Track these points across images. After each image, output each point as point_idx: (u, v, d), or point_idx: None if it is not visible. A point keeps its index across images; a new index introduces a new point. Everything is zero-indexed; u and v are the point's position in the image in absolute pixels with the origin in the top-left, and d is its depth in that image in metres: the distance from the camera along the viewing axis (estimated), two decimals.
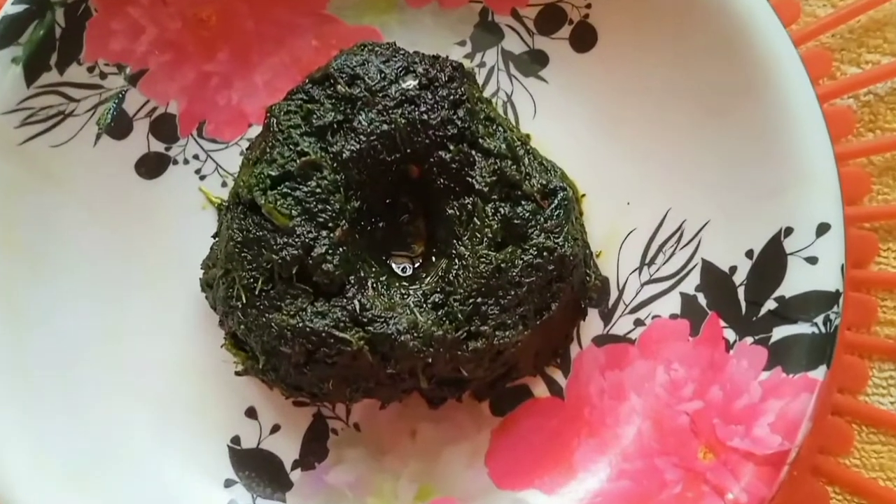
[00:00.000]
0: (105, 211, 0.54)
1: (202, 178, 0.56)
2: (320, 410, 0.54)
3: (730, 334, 0.51)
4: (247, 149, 0.53)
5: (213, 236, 0.54)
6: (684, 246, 0.54)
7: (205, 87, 0.56)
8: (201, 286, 0.53)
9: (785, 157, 0.50)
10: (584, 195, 0.55)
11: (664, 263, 0.54)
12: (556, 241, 0.49)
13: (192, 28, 0.55)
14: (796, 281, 0.49)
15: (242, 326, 0.49)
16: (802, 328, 0.49)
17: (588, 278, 0.53)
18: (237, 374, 0.52)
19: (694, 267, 0.53)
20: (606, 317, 0.55)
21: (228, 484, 0.53)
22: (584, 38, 0.56)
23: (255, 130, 0.56)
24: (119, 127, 0.55)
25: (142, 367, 0.54)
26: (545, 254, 0.49)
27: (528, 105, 0.57)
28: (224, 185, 0.56)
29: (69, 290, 0.53)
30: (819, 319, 0.48)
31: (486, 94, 0.57)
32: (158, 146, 0.55)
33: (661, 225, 0.54)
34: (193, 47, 0.55)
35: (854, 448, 0.56)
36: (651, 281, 0.54)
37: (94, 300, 0.54)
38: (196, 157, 0.56)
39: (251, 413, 0.54)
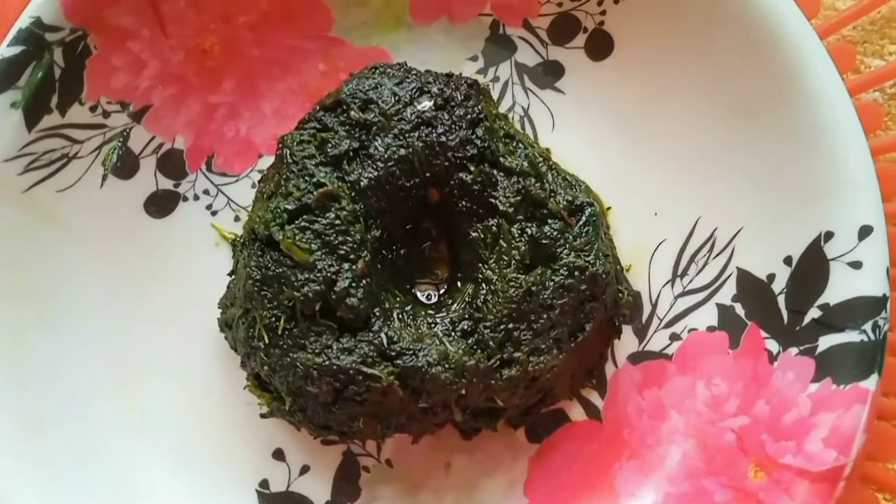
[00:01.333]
0: (115, 253, 0.53)
1: (214, 213, 0.54)
2: (350, 448, 0.52)
3: (772, 345, 0.49)
4: (259, 181, 0.52)
5: (230, 274, 0.52)
6: (717, 255, 0.52)
7: (211, 120, 0.54)
8: (219, 326, 0.51)
9: (821, 159, 0.48)
10: (609, 208, 0.54)
11: (697, 274, 0.52)
12: (586, 259, 0.48)
13: (195, 59, 0.54)
14: (840, 287, 0.47)
15: (266, 367, 0.47)
16: (850, 336, 0.47)
17: (620, 295, 0.51)
18: (262, 416, 0.50)
19: (729, 276, 0.52)
20: (641, 333, 0.53)
21: None
22: (599, 46, 0.54)
23: (266, 161, 0.54)
24: (125, 166, 0.53)
25: (160, 414, 0.52)
26: (576, 273, 0.47)
27: (546, 118, 0.55)
28: (237, 219, 0.54)
29: (80, 336, 0.51)
30: (867, 326, 0.46)
31: (502, 109, 0.55)
32: (167, 183, 0.54)
33: (691, 234, 0.53)
34: (197, 79, 0.54)
35: None
36: (685, 293, 0.53)
37: (106, 346, 0.52)
38: (206, 192, 0.54)
39: (279, 455, 0.52)
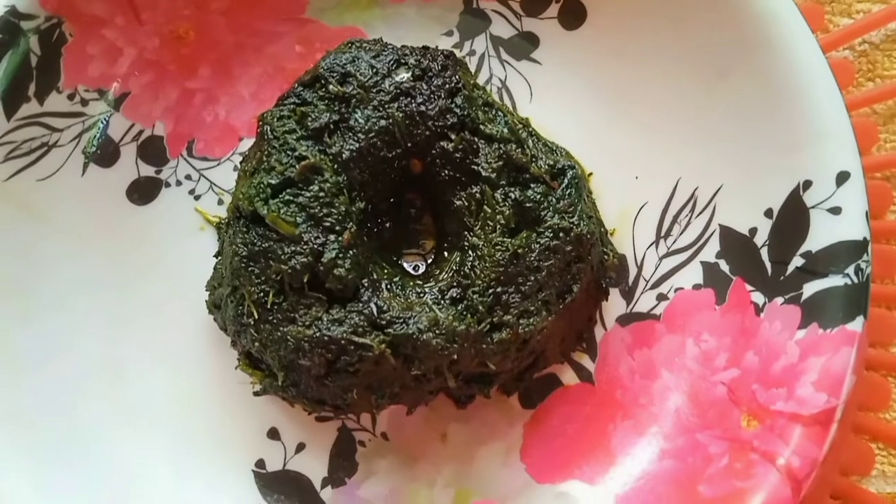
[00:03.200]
0: (98, 242, 0.52)
1: (197, 198, 0.54)
2: (345, 424, 0.52)
3: (758, 297, 0.50)
4: (241, 161, 0.52)
5: (216, 256, 0.52)
6: (699, 213, 0.53)
7: (190, 105, 0.54)
8: (208, 308, 0.51)
9: (796, 110, 0.49)
10: (591, 174, 0.54)
11: (681, 234, 0.53)
12: (570, 220, 0.48)
13: (171, 45, 0.54)
14: (821, 234, 0.48)
15: (257, 344, 0.47)
16: (834, 281, 0.47)
17: (606, 257, 0.51)
18: (256, 394, 0.50)
19: (712, 234, 0.52)
20: (628, 295, 0.53)
21: None
22: (573, 15, 0.55)
23: (247, 144, 0.54)
24: (106, 154, 0.53)
25: (152, 401, 0.51)
26: (561, 235, 0.48)
27: (524, 89, 0.55)
28: (220, 202, 0.54)
29: (66, 328, 0.51)
30: (850, 270, 0.47)
31: (480, 81, 0.55)
32: (148, 170, 0.54)
33: (672, 195, 0.53)
34: (174, 65, 0.54)
35: (893, 402, 0.54)
36: (669, 253, 0.53)
37: (93, 336, 0.52)
38: (188, 177, 0.54)
39: (273, 434, 0.51)
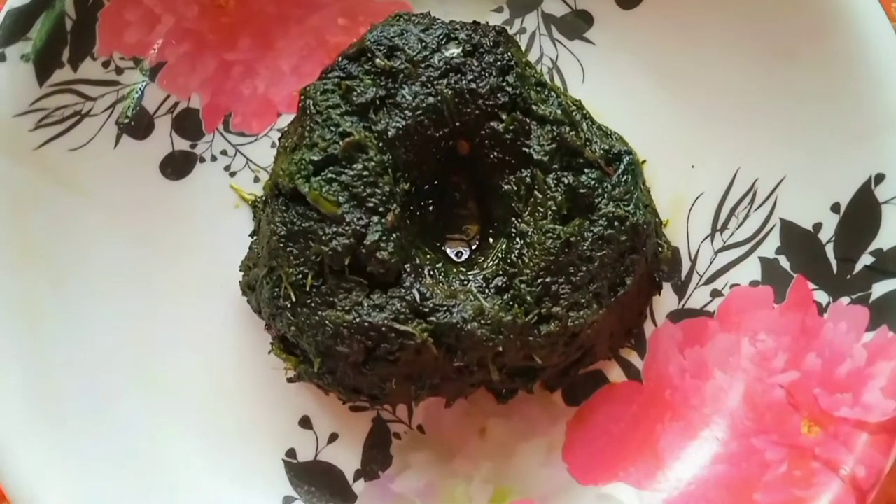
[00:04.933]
0: (131, 217, 0.50)
1: (232, 174, 0.52)
2: (380, 414, 0.49)
3: (821, 297, 0.47)
4: (280, 137, 0.49)
5: (251, 235, 0.50)
6: (759, 206, 0.50)
7: (228, 78, 0.52)
8: (241, 290, 0.49)
9: (867, 98, 0.46)
10: (644, 161, 0.51)
11: (738, 227, 0.50)
12: (626, 209, 0.46)
13: (211, 14, 0.52)
14: (894, 230, 0.45)
15: (293, 328, 0.45)
16: None
17: (660, 249, 0.49)
18: (289, 380, 0.48)
19: (772, 228, 0.50)
20: (680, 290, 0.51)
21: (287, 501, 0.48)
22: None
23: (286, 120, 0.52)
24: (140, 126, 0.51)
25: (182, 383, 0.50)
26: (616, 223, 0.45)
27: (576, 70, 0.53)
28: (256, 180, 0.52)
29: (97, 305, 0.49)
30: None
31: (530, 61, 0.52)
32: (183, 144, 0.52)
33: (730, 186, 0.51)
34: (213, 35, 0.52)
35: None
36: (725, 248, 0.50)
37: (124, 315, 0.50)
38: (224, 152, 0.52)
39: (306, 423, 0.49)
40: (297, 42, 0.53)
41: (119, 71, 0.50)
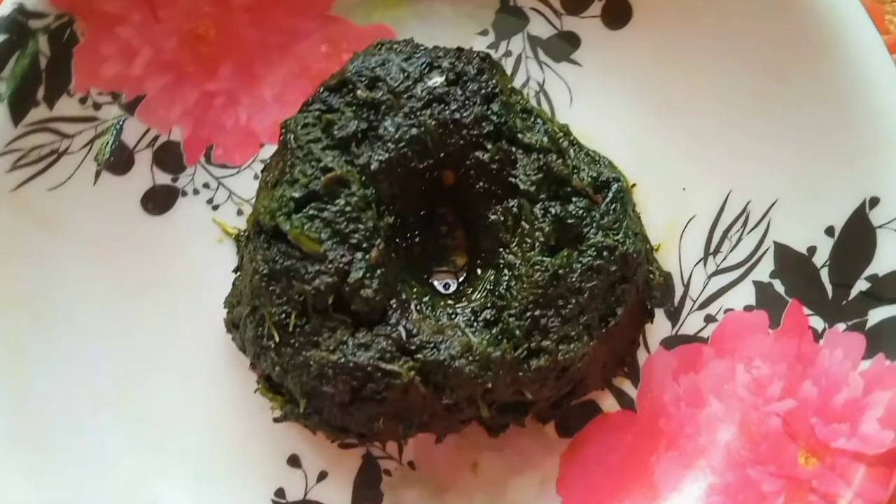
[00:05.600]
0: (112, 254, 0.49)
1: (215, 208, 0.51)
2: (369, 451, 0.49)
3: (817, 322, 0.46)
4: (262, 171, 0.49)
5: (234, 271, 0.49)
6: (752, 229, 0.49)
7: (209, 109, 0.51)
8: (226, 327, 0.48)
9: (860, 120, 0.45)
10: (634, 185, 0.50)
11: (731, 251, 0.49)
12: (615, 238, 0.45)
13: (190, 44, 0.51)
14: (889, 256, 0.44)
15: (277, 368, 0.44)
16: None
17: (652, 276, 0.48)
18: (276, 420, 0.47)
19: (766, 251, 0.49)
20: (673, 316, 0.50)
21: None
22: (617, 13, 0.51)
23: (269, 150, 0.51)
24: (119, 161, 0.50)
25: (168, 422, 0.49)
26: (605, 254, 0.44)
27: (563, 93, 0.52)
28: (240, 213, 0.51)
29: (80, 344, 0.48)
30: None
31: (516, 84, 0.52)
32: (164, 178, 0.51)
33: (723, 209, 0.50)
34: (193, 66, 0.51)
35: None
36: (719, 272, 0.49)
37: (108, 353, 0.49)
38: (206, 185, 0.51)
39: (294, 461, 0.49)
40: (279, 70, 0.52)
41: (97, 106, 0.49)
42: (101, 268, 0.49)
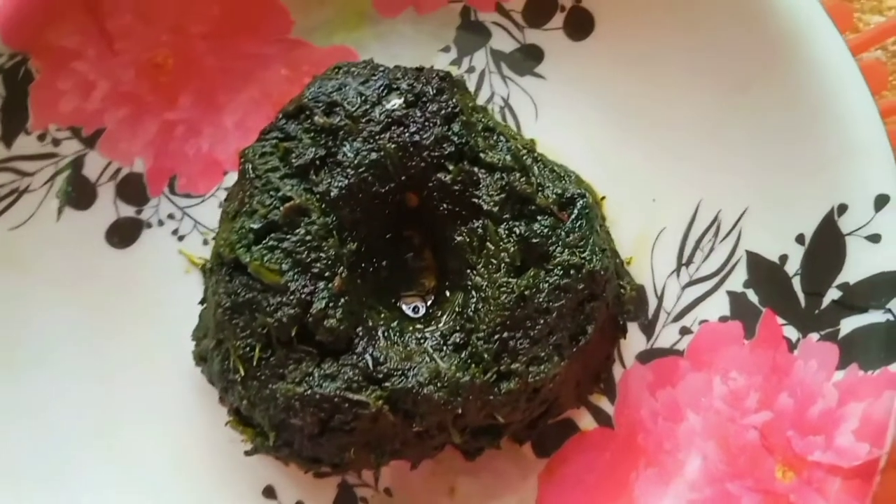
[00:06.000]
0: (78, 290, 0.49)
1: (181, 238, 0.50)
2: (345, 479, 0.48)
3: (791, 332, 0.46)
4: (224, 200, 0.48)
5: (201, 302, 0.48)
6: (724, 239, 0.48)
7: (170, 139, 0.51)
8: (194, 360, 0.48)
9: (827, 127, 0.44)
10: (603, 198, 0.50)
11: (704, 261, 0.49)
12: (582, 255, 0.44)
13: (148, 75, 0.50)
14: (859, 263, 0.44)
15: (245, 401, 0.44)
16: (874, 317, 0.43)
17: (623, 290, 0.47)
18: (247, 453, 0.46)
19: (738, 261, 0.48)
20: (648, 329, 0.49)
21: None
22: (579, 25, 0.50)
23: (232, 178, 0.50)
24: (82, 196, 0.49)
25: (140, 458, 0.48)
26: (572, 272, 0.44)
27: (528, 107, 0.51)
28: (206, 243, 0.50)
29: (49, 383, 0.48)
30: (892, 304, 0.43)
31: (480, 100, 0.51)
32: (128, 210, 0.50)
33: (693, 219, 0.49)
34: (152, 96, 0.50)
35: None
36: (692, 282, 0.49)
37: (78, 392, 0.48)
38: (171, 216, 0.50)
39: (269, 493, 0.48)
40: (240, 96, 0.51)
41: (56, 142, 0.49)
42: (67, 304, 0.49)
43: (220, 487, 0.48)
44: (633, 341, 0.49)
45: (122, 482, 0.48)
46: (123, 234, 0.50)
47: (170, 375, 0.49)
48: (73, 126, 0.49)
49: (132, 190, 0.50)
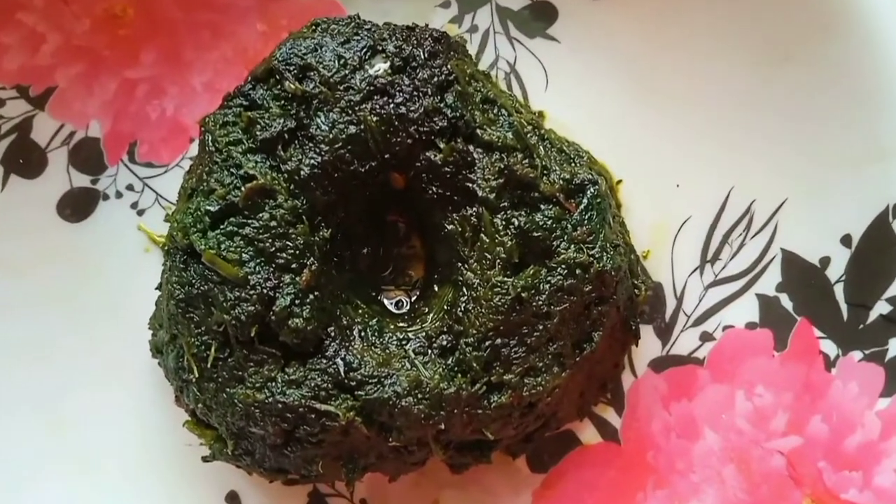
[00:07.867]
0: (27, 270, 0.45)
1: (140, 213, 0.46)
2: (317, 488, 0.44)
3: (829, 347, 0.41)
4: (186, 173, 0.43)
5: (158, 288, 0.43)
6: (756, 234, 0.44)
7: (131, 99, 0.46)
8: (151, 351, 0.43)
9: (883, 110, 0.39)
10: (619, 181, 0.45)
11: (732, 258, 0.45)
12: (590, 252, 0.39)
13: (106, 27, 0.46)
14: None
15: (201, 405, 0.39)
16: None
17: (637, 291, 0.42)
18: (204, 459, 0.42)
19: (772, 260, 0.44)
20: (664, 334, 0.45)
21: None
22: None
23: None
24: (30, 162, 0.46)
25: (94, 457, 0.45)
26: (578, 272, 0.39)
27: (538, 73, 0.46)
28: (168, 218, 0.45)
29: None
30: None
31: (482, 66, 0.46)
32: (83, 180, 0.46)
33: (722, 209, 0.45)
34: (110, 51, 0.46)
35: None
36: (717, 282, 0.45)
37: (25, 380, 0.45)
38: (130, 187, 0.46)
39: (233, 498, 0.45)
40: (209, 53, 0.47)
41: (1, 103, 0.44)
42: (14, 286, 0.45)
43: (180, 492, 0.45)
44: (647, 347, 0.45)
45: (79, 482, 0.45)
46: (77, 206, 0.46)
47: (127, 366, 0.45)
48: (20, 84, 0.45)
49: (87, 157, 0.46)
